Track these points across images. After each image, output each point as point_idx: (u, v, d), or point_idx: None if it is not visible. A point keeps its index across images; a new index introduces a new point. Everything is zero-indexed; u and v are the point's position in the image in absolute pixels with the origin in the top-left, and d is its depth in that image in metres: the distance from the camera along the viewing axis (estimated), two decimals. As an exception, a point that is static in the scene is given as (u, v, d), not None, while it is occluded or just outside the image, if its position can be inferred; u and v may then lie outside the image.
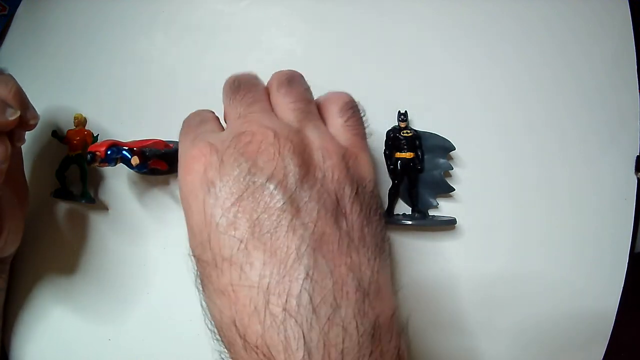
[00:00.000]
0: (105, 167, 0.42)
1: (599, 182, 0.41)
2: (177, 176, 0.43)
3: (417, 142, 0.38)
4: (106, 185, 0.43)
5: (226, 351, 0.23)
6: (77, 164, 0.41)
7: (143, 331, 0.41)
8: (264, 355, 0.18)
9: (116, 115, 0.43)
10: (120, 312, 0.42)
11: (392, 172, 0.38)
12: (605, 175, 0.41)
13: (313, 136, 0.23)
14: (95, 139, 0.42)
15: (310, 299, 0.18)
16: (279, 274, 0.18)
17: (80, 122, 0.41)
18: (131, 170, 0.38)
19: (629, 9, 0.41)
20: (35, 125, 0.35)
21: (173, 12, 0.43)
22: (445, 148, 0.39)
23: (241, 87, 0.26)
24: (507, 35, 0.42)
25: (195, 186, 0.22)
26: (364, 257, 0.20)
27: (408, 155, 0.37)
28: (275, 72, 0.28)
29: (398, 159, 0.37)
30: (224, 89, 0.28)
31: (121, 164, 0.36)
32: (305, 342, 0.17)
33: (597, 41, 0.41)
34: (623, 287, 0.41)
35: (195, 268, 0.22)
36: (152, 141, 0.37)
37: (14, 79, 0.34)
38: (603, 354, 0.41)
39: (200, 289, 0.22)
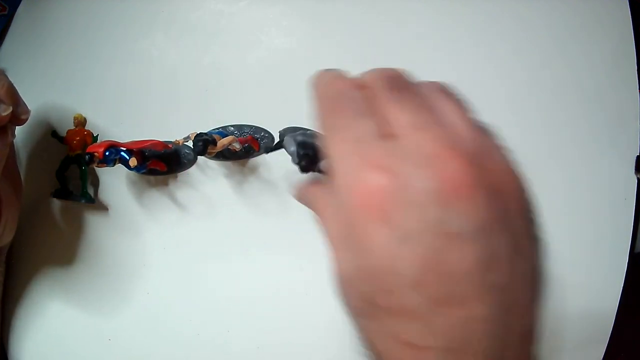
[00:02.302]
0: (104, 168, 0.42)
1: (599, 182, 0.41)
2: (176, 177, 0.44)
3: None
4: (106, 185, 0.43)
5: None
6: (77, 164, 0.41)
7: (143, 331, 0.41)
8: None
9: (116, 115, 0.43)
10: (120, 312, 0.42)
11: None
12: (605, 175, 0.41)
13: (496, 155, 0.20)
14: (95, 139, 0.42)
15: (495, 354, 0.17)
16: (465, 336, 0.17)
17: (80, 122, 0.41)
18: (130, 171, 0.39)
19: (629, 9, 0.41)
20: (26, 120, 0.35)
21: (173, 12, 0.43)
22: None
23: (407, 85, 0.22)
24: (507, 36, 0.42)
25: (374, 225, 0.18)
26: (531, 302, 0.19)
27: None
28: (430, 82, 0.24)
29: None
30: (378, 78, 0.22)
31: (120, 164, 0.36)
32: None
33: (597, 41, 0.41)
34: (623, 287, 0.41)
35: (356, 298, 0.20)
36: (151, 142, 0.37)
37: (4, 74, 0.34)
38: (603, 354, 0.41)
39: (362, 321, 0.21)
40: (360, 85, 0.22)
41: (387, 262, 0.18)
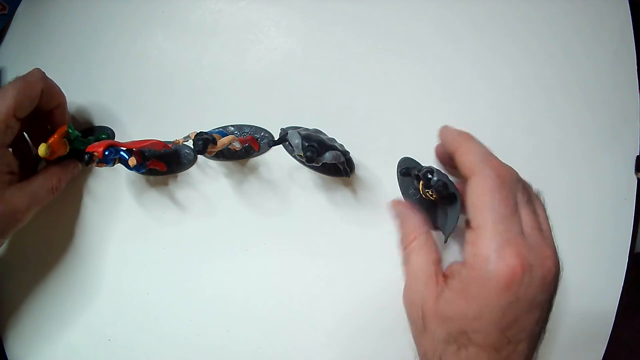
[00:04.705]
0: (104, 168, 0.42)
1: (599, 182, 0.41)
2: (176, 177, 0.44)
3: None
4: (105, 185, 0.43)
5: None
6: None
7: (143, 331, 0.41)
8: None
9: (115, 114, 0.43)
10: (120, 313, 0.42)
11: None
12: (605, 175, 0.41)
13: (546, 251, 0.29)
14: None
15: None
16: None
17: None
18: (130, 171, 0.39)
19: (629, 10, 0.41)
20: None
21: (172, 12, 0.43)
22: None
23: (531, 194, 0.30)
24: (510, 35, 0.42)
25: (503, 293, 0.26)
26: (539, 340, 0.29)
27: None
28: (533, 192, 0.32)
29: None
30: (521, 183, 0.30)
31: (120, 164, 0.36)
32: None
33: (597, 42, 0.41)
34: (623, 287, 0.41)
35: (447, 329, 0.28)
36: (150, 142, 0.37)
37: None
38: (603, 354, 0.41)
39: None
40: (517, 180, 0.30)
41: (495, 315, 0.26)
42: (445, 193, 0.33)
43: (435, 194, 0.34)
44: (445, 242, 0.35)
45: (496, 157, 0.30)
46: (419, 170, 0.35)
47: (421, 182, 0.35)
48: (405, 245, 0.33)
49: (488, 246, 0.27)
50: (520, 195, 0.29)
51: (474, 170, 0.29)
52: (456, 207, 0.34)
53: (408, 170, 0.39)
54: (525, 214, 0.29)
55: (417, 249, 0.32)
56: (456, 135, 0.32)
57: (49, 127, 0.40)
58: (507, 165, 0.30)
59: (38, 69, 0.37)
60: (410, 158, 0.41)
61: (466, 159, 0.30)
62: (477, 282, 0.27)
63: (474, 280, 0.27)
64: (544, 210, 0.31)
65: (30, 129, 0.40)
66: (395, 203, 0.36)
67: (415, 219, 0.33)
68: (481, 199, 0.28)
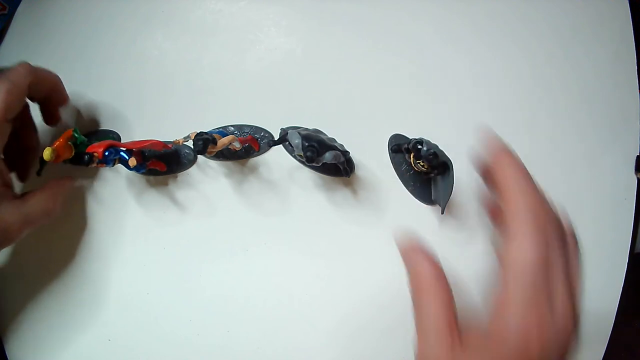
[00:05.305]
0: (104, 168, 0.42)
1: (599, 182, 0.41)
2: (176, 177, 0.44)
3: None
4: (106, 186, 0.43)
5: None
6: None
7: (143, 331, 0.41)
8: None
9: (115, 114, 0.43)
10: (120, 313, 0.42)
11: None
12: (605, 175, 0.41)
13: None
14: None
15: None
16: None
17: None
18: (130, 171, 0.38)
19: (629, 10, 0.41)
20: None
21: (172, 12, 0.43)
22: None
23: (575, 264, 0.27)
24: (510, 35, 0.42)
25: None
26: None
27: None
28: (575, 249, 0.28)
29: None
30: (559, 251, 0.27)
31: (120, 164, 0.36)
32: None
33: (597, 42, 0.41)
34: (623, 287, 0.41)
35: None
36: (150, 142, 0.37)
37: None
38: (603, 354, 0.41)
39: None
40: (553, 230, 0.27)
41: None
42: (436, 162, 0.32)
43: (426, 165, 0.33)
44: (442, 213, 0.34)
45: (537, 196, 0.27)
46: (409, 143, 0.35)
47: (412, 155, 0.35)
48: (415, 288, 0.29)
49: (511, 318, 0.25)
50: (555, 243, 0.26)
51: (515, 225, 0.26)
52: (449, 176, 0.33)
53: (399, 147, 0.39)
54: (557, 278, 0.26)
55: (432, 296, 0.29)
56: (496, 151, 0.29)
57: (45, 113, 0.39)
58: (547, 207, 0.27)
59: (23, 64, 0.35)
60: (400, 134, 0.40)
61: (511, 203, 0.27)
62: (494, 353, 0.25)
63: (490, 352, 0.25)
64: (578, 258, 0.28)
65: (20, 127, 0.38)
66: (404, 245, 0.31)
67: (429, 259, 0.30)
68: (517, 268, 0.26)
